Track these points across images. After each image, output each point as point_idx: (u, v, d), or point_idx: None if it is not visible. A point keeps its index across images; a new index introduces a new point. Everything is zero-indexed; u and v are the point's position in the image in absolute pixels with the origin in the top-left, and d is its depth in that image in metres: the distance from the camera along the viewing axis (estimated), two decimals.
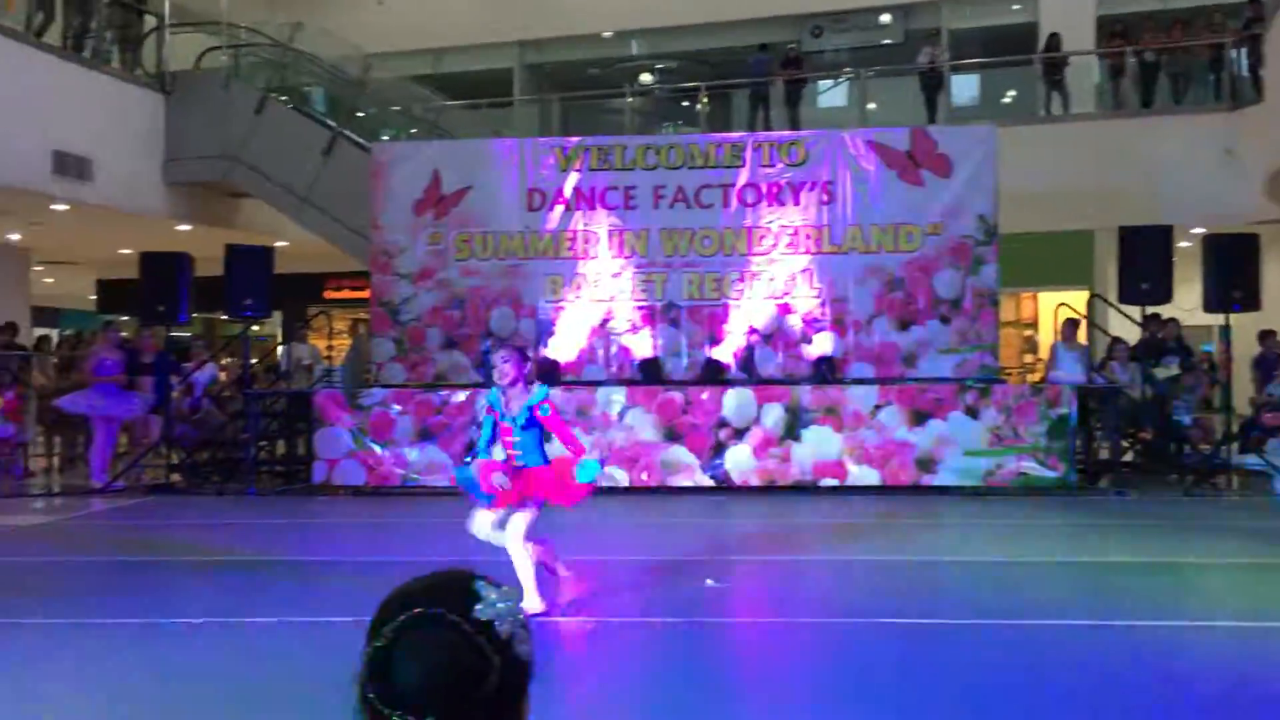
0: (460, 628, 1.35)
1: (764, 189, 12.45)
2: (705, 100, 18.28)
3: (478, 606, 1.38)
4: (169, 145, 15.16)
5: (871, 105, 17.80)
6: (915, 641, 5.67)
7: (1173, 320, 13.26)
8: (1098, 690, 4.77)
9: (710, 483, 11.46)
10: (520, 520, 6.10)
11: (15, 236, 16.10)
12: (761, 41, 18.41)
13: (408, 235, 12.72)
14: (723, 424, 11.53)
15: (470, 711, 1.33)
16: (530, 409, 6.14)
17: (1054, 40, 16.53)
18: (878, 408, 11.42)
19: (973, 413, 11.31)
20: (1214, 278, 11.84)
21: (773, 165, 12.45)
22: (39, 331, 18.43)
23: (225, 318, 17.42)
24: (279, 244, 14.90)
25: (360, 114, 16.54)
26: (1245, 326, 13.33)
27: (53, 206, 13.90)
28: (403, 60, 20.14)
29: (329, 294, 21.44)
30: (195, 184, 15.45)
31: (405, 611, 1.37)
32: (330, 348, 15.06)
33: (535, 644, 1.41)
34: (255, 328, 18.51)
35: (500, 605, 1.39)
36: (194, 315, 14.98)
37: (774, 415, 11.49)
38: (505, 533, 6.13)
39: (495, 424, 6.25)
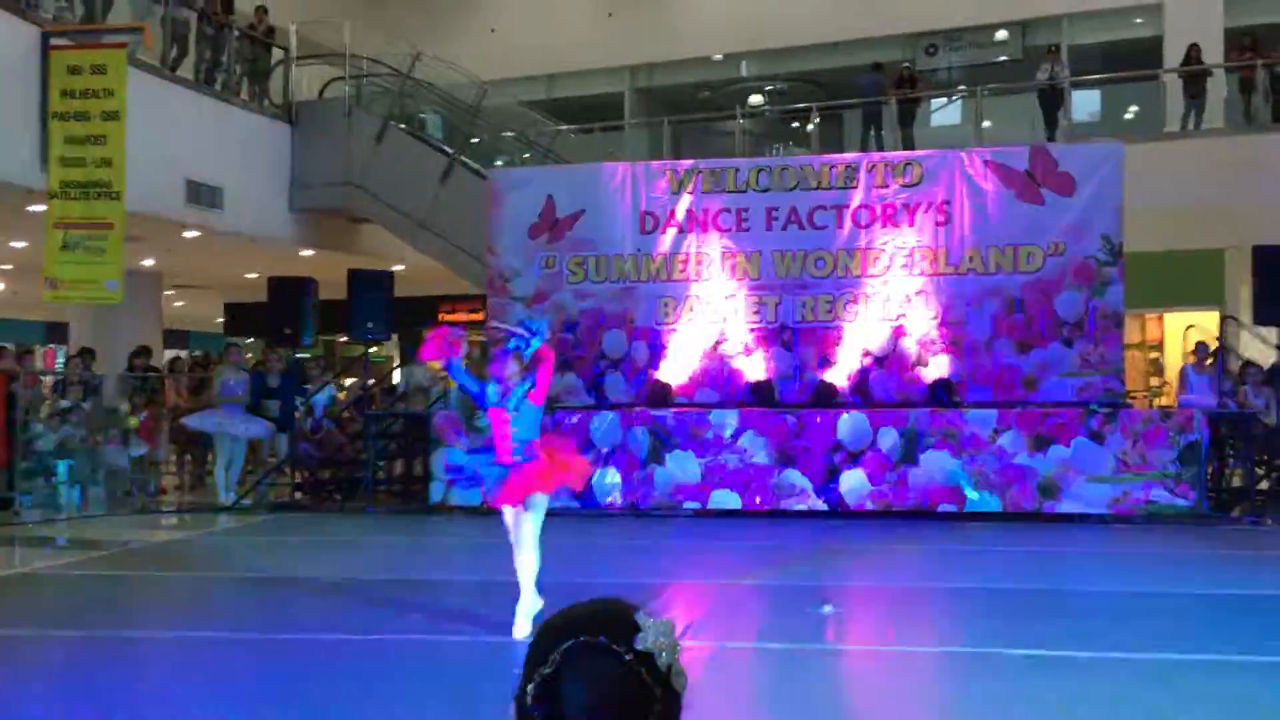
0: (623, 658, 1.36)
1: (878, 210, 12.30)
2: (816, 121, 18.18)
3: (638, 636, 1.39)
4: (294, 173, 15.67)
5: (987, 123, 17.48)
6: (1030, 673, 5.51)
7: None
8: None
9: (824, 507, 11.33)
10: (531, 523, 6.08)
11: (149, 262, 16.78)
12: (874, 61, 18.24)
13: (522, 259, 12.90)
14: (837, 447, 11.40)
15: None
16: (525, 394, 6.07)
17: (1194, 51, 16.00)
18: (997, 432, 11.17)
19: (1098, 438, 10.98)
20: None
21: (887, 186, 12.31)
22: (170, 353, 19.16)
23: (345, 339, 17.90)
24: (397, 268, 15.26)
25: (475, 140, 16.87)
26: None
27: (185, 234, 14.47)
28: (516, 86, 20.49)
29: (444, 316, 21.84)
30: (318, 210, 15.93)
31: (571, 638, 1.38)
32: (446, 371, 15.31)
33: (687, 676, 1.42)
34: (374, 349, 18.99)
35: (661, 639, 1.40)
36: (317, 337, 15.44)
37: (889, 439, 11.32)
38: (520, 536, 6.10)
39: (480, 396, 6.19)
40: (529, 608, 6.02)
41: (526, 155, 17.83)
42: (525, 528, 6.09)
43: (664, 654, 1.39)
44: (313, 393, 13.65)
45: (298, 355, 14.78)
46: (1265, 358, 12.43)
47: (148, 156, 12.53)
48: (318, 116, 15.81)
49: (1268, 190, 14.29)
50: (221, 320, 24.03)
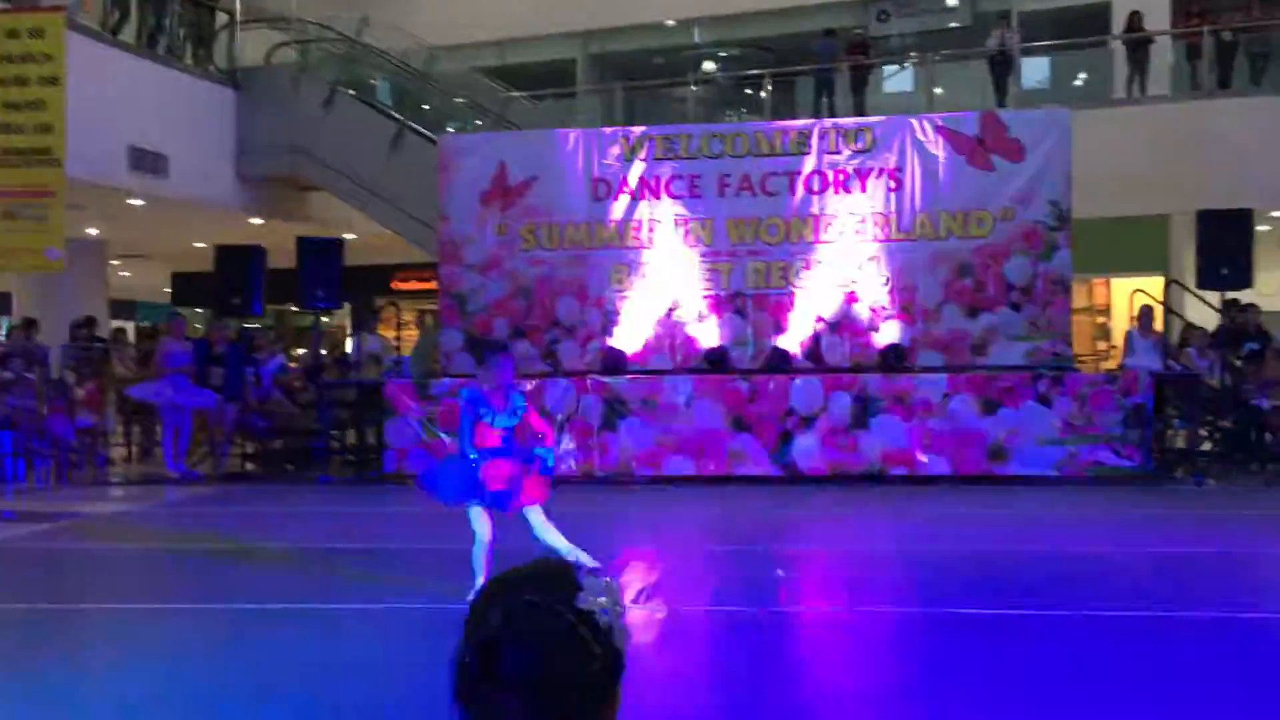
0: (564, 617, 1.36)
1: (831, 176, 12.34)
2: (769, 87, 18.15)
3: (580, 595, 1.39)
4: (240, 140, 15.43)
5: (938, 90, 17.54)
6: (987, 633, 5.60)
7: (1252, 306, 12.93)
8: (1172, 678, 4.67)
9: (777, 472, 11.42)
10: (539, 514, 6.07)
11: (93, 231, 16.48)
12: (827, 27, 18.22)
13: (474, 226, 12.81)
14: (790, 413, 11.47)
15: (572, 699, 1.34)
16: (518, 410, 6.06)
17: (1135, 19, 16.14)
18: (948, 396, 11.29)
19: (1045, 401, 11.13)
20: None
21: (839, 152, 12.34)
22: (116, 324, 18.86)
23: (296, 309, 17.71)
24: (348, 236, 15.10)
25: (426, 107, 16.68)
26: None
27: (129, 201, 14.21)
28: (467, 52, 20.26)
29: (396, 285, 21.67)
30: (266, 178, 15.70)
31: (510, 597, 1.38)
32: (398, 339, 15.23)
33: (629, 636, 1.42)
34: (325, 319, 18.80)
35: (602, 597, 1.40)
36: (267, 307, 15.25)
37: (841, 404, 11.41)
38: (541, 529, 6.07)
39: (474, 424, 6.07)
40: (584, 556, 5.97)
41: (479, 122, 17.66)
42: (539, 519, 6.08)
43: (605, 612, 1.40)
44: (262, 362, 13.51)
45: (246, 325, 14.59)
46: (1209, 321, 12.63)
47: (89, 123, 12.26)
48: (264, 82, 15.55)
49: (1213, 156, 14.48)
50: (169, 290, 23.67)
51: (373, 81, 17.22)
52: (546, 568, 1.46)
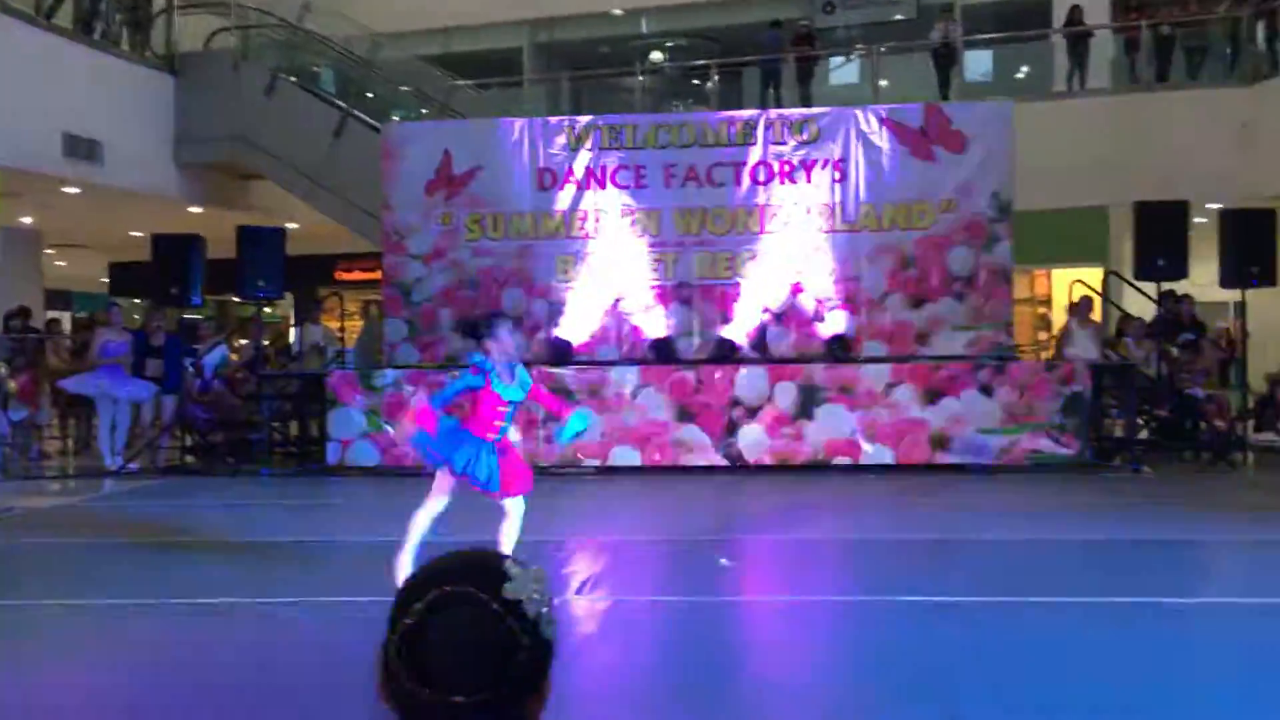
0: (490, 607, 1.35)
1: (776, 167, 12.38)
2: (716, 78, 18.17)
3: (506, 586, 1.37)
4: (179, 127, 15.17)
5: (884, 82, 17.65)
6: (927, 619, 5.66)
7: (1187, 296, 13.18)
8: (1095, 664, 4.75)
9: (723, 462, 11.45)
10: (518, 508, 5.98)
11: (27, 220, 16.13)
12: (773, 18, 18.26)
13: (419, 216, 12.70)
14: (735, 403, 11.51)
15: (498, 690, 1.33)
16: (525, 385, 5.93)
17: (1075, 13, 16.36)
18: (891, 386, 11.38)
19: (986, 390, 11.27)
20: (1230, 254, 11.75)
21: (785, 143, 12.38)
22: (51, 314, 18.48)
23: (238, 299, 17.44)
24: (290, 225, 14.88)
25: (370, 95, 16.50)
26: (1262, 302, 13.22)
27: (64, 189, 13.92)
28: (412, 40, 20.06)
29: (341, 275, 21.45)
30: (206, 166, 15.46)
31: (435, 589, 1.36)
32: (342, 329, 15.06)
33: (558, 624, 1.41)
34: (268, 309, 18.55)
35: (529, 586, 1.39)
36: (207, 297, 15.01)
37: (787, 394, 11.47)
38: (511, 524, 5.97)
39: (471, 391, 5.89)
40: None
41: (424, 111, 17.50)
42: (518, 512, 6.01)
43: (533, 602, 1.38)
44: (202, 353, 13.30)
45: (188, 316, 14.37)
46: (1147, 312, 12.85)
47: (21, 108, 11.99)
48: (204, 68, 15.29)
49: (1151, 149, 14.73)
50: (106, 280, 23.23)
51: (316, 69, 17.00)
52: (473, 559, 1.44)
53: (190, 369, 13.01)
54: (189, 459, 12.68)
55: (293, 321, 17.74)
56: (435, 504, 5.95)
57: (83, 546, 8.22)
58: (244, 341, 15.86)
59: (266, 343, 14.70)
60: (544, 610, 1.39)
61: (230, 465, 12.30)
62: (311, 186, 14.91)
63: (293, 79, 15.66)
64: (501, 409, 5.91)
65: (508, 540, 5.92)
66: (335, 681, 4.59)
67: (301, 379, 12.95)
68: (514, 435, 11.33)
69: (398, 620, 1.37)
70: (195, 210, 16.02)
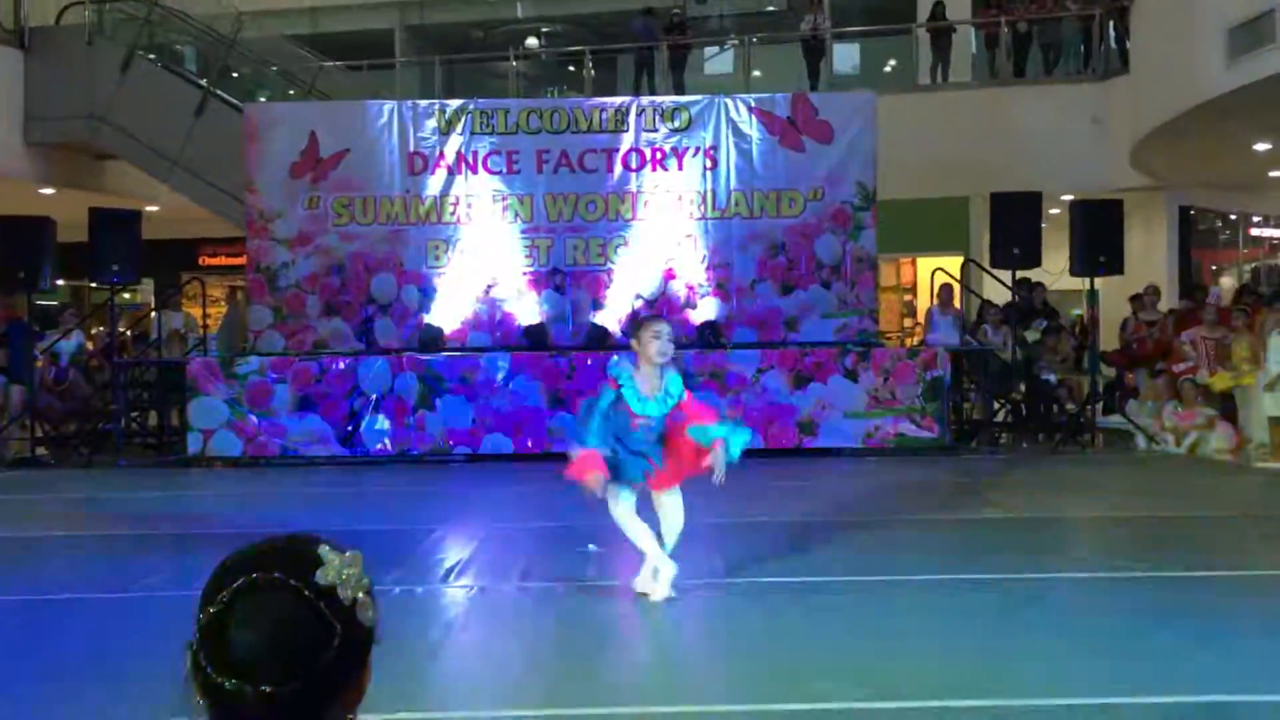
0: (300, 593, 1.33)
1: (648, 154, 12.44)
2: (590, 65, 18.15)
3: (319, 571, 1.35)
4: (29, 104, 14.51)
5: (756, 72, 17.89)
6: (793, 600, 5.78)
7: (1040, 284, 13.70)
8: (953, 636, 4.93)
9: None
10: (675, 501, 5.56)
11: None
12: (646, 6, 18.32)
13: (284, 199, 12.39)
14: None
15: (308, 679, 1.31)
16: (676, 400, 5.29)
17: (938, 9, 16.83)
18: (760, 371, 11.57)
19: (852, 376, 11.54)
20: (1081, 243, 12.24)
21: (656, 130, 12.45)
22: None
23: (94, 285, 16.78)
24: (150, 208, 14.40)
25: (235, 74, 16.02)
26: (1111, 290, 13.84)
27: None
28: (279, 19, 19.55)
29: (205, 260, 20.81)
30: (58, 145, 14.82)
31: (242, 576, 1.34)
32: (206, 316, 14.62)
33: (379, 610, 1.39)
34: (126, 295, 17.89)
35: (344, 571, 1.37)
36: (61, 283, 14.40)
37: None
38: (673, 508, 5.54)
39: (612, 409, 5.27)
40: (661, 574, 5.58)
41: (291, 92, 17.07)
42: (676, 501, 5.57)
43: (348, 588, 1.37)
44: (55, 340, 12.76)
45: (43, 302, 13.76)
46: (1003, 298, 13.31)
47: None
48: (55, 43, 14.65)
49: (1007, 141, 15.27)
50: None
51: (177, 47, 16.42)
52: (285, 544, 1.41)
53: (45, 357, 12.47)
54: (40, 451, 12.16)
55: (153, 307, 17.13)
56: (623, 507, 5.48)
57: None
58: (99, 328, 15.27)
59: (124, 329, 14.17)
60: (360, 596, 1.37)
61: (84, 457, 11.85)
62: (170, 167, 14.42)
63: (151, 56, 15.10)
64: (640, 423, 5.29)
65: (670, 532, 5.52)
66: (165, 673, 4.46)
67: (160, 367, 12.53)
68: (382, 423, 11.24)
69: (203, 608, 1.34)
70: (47, 192, 15.34)
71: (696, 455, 5.43)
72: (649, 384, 5.28)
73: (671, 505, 5.60)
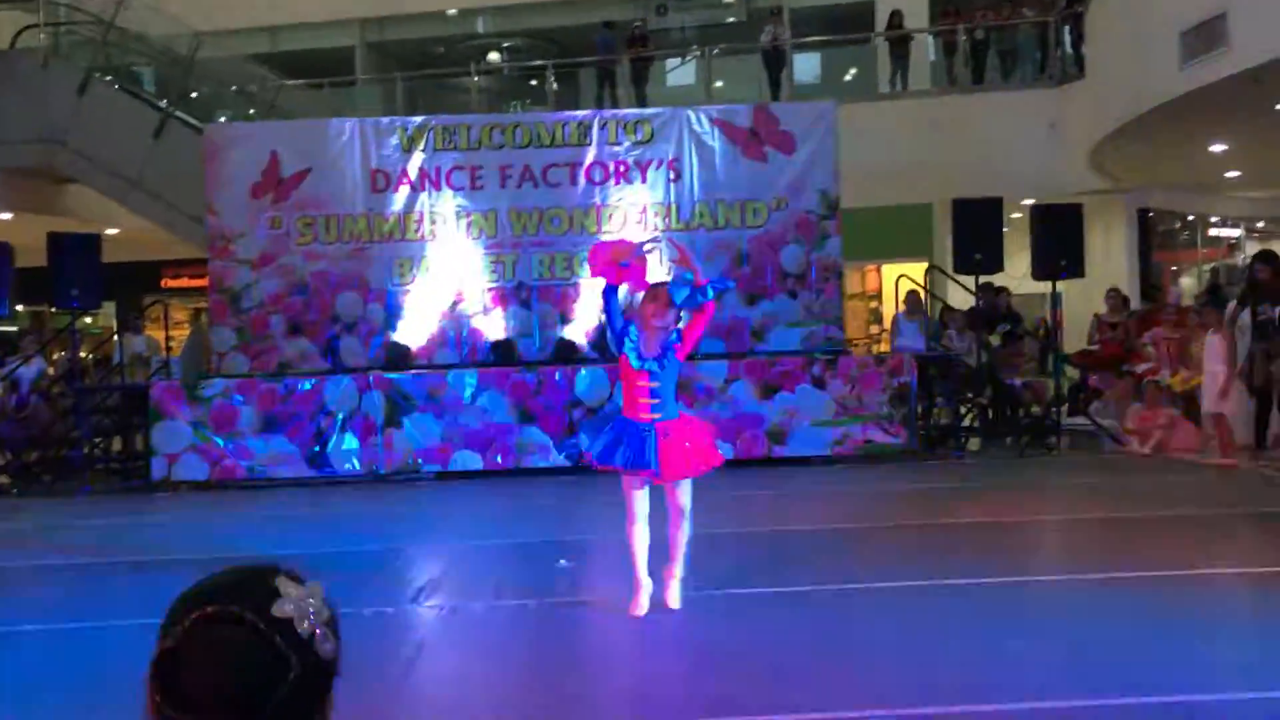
0: (256, 627, 1.30)
1: (611, 167, 12.46)
2: (552, 79, 18.17)
3: (277, 603, 1.33)
4: None
5: (718, 83, 17.97)
6: (768, 610, 5.78)
7: (1003, 289, 13.81)
8: (928, 643, 4.94)
9: (565, 463, 11.45)
10: (690, 492, 5.50)
11: None
12: (606, 19, 18.38)
13: (246, 220, 12.30)
14: (576, 403, 11.53)
15: (265, 714, 1.29)
16: (672, 345, 5.29)
17: (896, 18, 16.98)
18: (728, 382, 11.58)
19: (820, 384, 11.57)
20: (1042, 247, 12.36)
21: (619, 143, 12.47)
22: None
23: (54, 310, 16.60)
24: (110, 231, 14.26)
25: (194, 95, 15.91)
26: (1073, 293, 13.96)
27: None
28: (238, 39, 19.44)
29: (168, 283, 20.66)
30: (15, 169, 14.65)
31: (197, 609, 1.32)
32: (170, 339, 14.48)
33: (340, 641, 1.37)
34: (88, 319, 17.70)
35: (303, 603, 1.35)
36: (20, 308, 14.22)
37: None
38: (681, 505, 5.48)
39: (619, 339, 5.39)
40: (681, 574, 5.62)
41: (251, 111, 16.98)
42: (686, 497, 5.50)
43: (306, 620, 1.34)
44: (15, 367, 12.60)
45: (1, 329, 13.59)
46: (967, 304, 13.40)
47: None
48: (10, 66, 14.52)
49: (967, 147, 15.41)
50: None
51: (134, 68, 16.30)
52: (244, 575, 1.39)
53: (2, 384, 12.31)
54: (1, 479, 11.99)
55: (115, 331, 16.96)
56: (635, 516, 5.51)
57: None
58: (60, 354, 15.09)
59: (85, 354, 14.01)
60: (320, 628, 1.35)
61: (47, 484, 11.69)
62: (130, 190, 14.30)
63: (108, 78, 14.98)
64: (642, 385, 5.36)
65: (680, 539, 5.52)
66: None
67: (123, 391, 12.39)
68: (350, 442, 11.15)
69: (159, 643, 1.32)
70: (4, 216, 15.18)
71: (705, 449, 5.53)
72: (649, 347, 5.37)
73: (680, 500, 5.57)
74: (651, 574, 5.66)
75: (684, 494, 5.54)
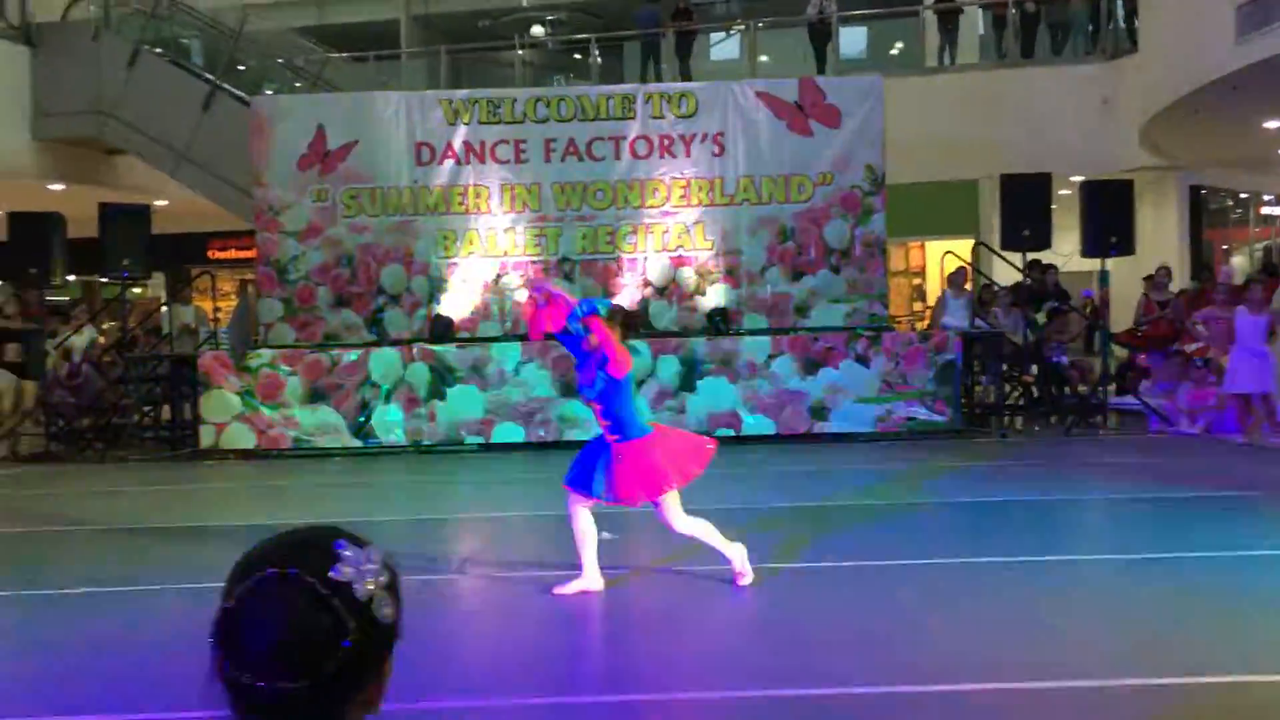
0: (315, 589, 1.32)
1: (655, 141, 12.41)
2: (596, 53, 18.10)
3: (335, 567, 1.34)
4: (37, 100, 14.53)
5: (763, 58, 17.82)
6: (808, 584, 5.78)
7: (1051, 266, 13.65)
8: (971, 620, 4.93)
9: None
10: (672, 507, 5.47)
11: None
12: None
13: (293, 192, 12.40)
14: None
15: (323, 675, 1.30)
16: (604, 366, 5.22)
17: None
18: (771, 358, 11.55)
19: (863, 361, 11.51)
20: (1091, 224, 12.19)
21: (664, 117, 12.42)
22: None
23: (105, 280, 16.85)
24: (159, 203, 14.41)
25: (241, 67, 16.01)
26: (1121, 271, 13.77)
27: None
28: (285, 11, 19.53)
29: (215, 254, 20.86)
30: (67, 141, 14.85)
31: (258, 571, 1.33)
32: (217, 309, 14.66)
33: (402, 605, 1.38)
34: (137, 290, 17.95)
35: (362, 566, 1.36)
36: (72, 278, 14.45)
37: (669, 367, 11.55)
38: (670, 522, 5.50)
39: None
40: (740, 553, 5.63)
41: (298, 84, 17.06)
42: (666, 515, 5.48)
43: (364, 583, 1.36)
44: (68, 336, 12.81)
45: (54, 298, 13.81)
46: (1013, 281, 13.26)
47: None
48: (61, 39, 14.66)
49: (1016, 123, 15.19)
50: None
51: (183, 40, 16.43)
52: (304, 537, 1.41)
53: (55, 353, 12.52)
54: (54, 446, 12.22)
55: (163, 302, 17.18)
56: (575, 530, 5.59)
57: None
58: (111, 323, 15.33)
59: (134, 324, 14.22)
60: (378, 591, 1.36)
61: (98, 451, 11.90)
62: (179, 161, 14.44)
63: (157, 50, 15.10)
64: (595, 409, 5.43)
65: (693, 538, 5.53)
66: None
67: (172, 361, 12.57)
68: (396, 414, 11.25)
69: (221, 604, 1.34)
70: (56, 188, 15.38)
71: (650, 479, 5.44)
72: (583, 374, 5.45)
73: (662, 519, 5.55)
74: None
75: (663, 512, 5.52)
